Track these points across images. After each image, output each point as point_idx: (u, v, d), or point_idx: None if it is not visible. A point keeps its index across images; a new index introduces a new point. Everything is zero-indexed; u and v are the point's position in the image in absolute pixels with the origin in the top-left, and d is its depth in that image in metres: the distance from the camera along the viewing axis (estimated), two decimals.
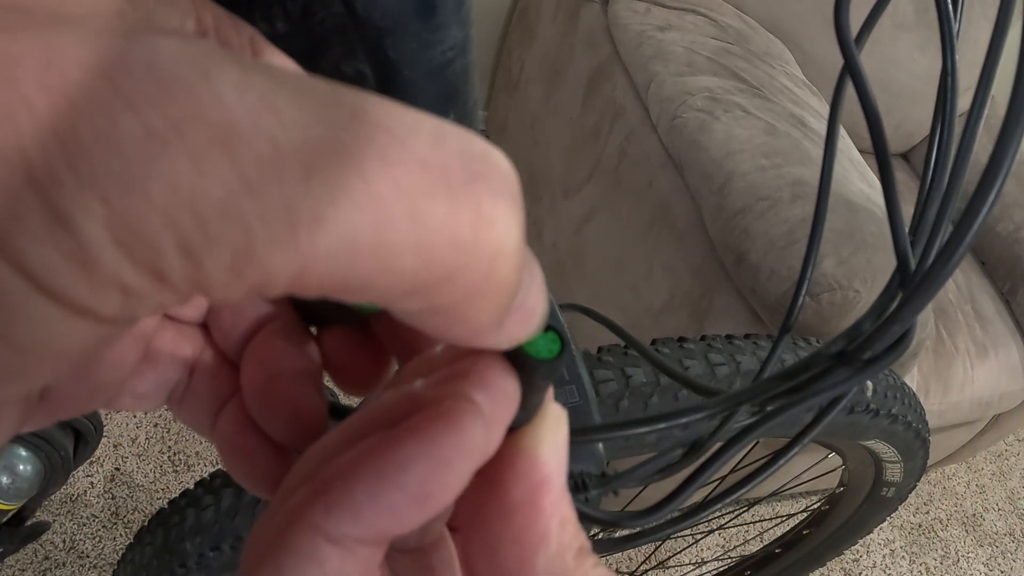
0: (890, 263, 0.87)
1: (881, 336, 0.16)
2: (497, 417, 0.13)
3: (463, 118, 0.21)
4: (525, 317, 0.12)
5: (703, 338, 0.49)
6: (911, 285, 0.16)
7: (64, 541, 1.14)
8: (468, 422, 0.12)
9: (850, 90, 0.26)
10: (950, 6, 0.21)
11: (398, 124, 0.10)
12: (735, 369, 0.47)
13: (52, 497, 1.17)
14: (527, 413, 0.14)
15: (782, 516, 1.38)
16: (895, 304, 0.16)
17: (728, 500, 0.25)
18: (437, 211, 0.10)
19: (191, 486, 0.51)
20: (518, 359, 0.13)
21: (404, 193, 0.10)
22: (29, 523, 0.54)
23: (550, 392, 0.15)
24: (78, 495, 1.18)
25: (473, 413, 0.12)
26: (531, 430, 0.14)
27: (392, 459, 0.12)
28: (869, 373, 0.17)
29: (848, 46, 0.19)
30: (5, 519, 0.51)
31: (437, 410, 0.12)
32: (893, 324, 0.16)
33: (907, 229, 0.20)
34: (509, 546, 0.14)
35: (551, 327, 0.14)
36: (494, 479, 0.14)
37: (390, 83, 0.18)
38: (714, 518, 1.05)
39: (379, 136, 0.10)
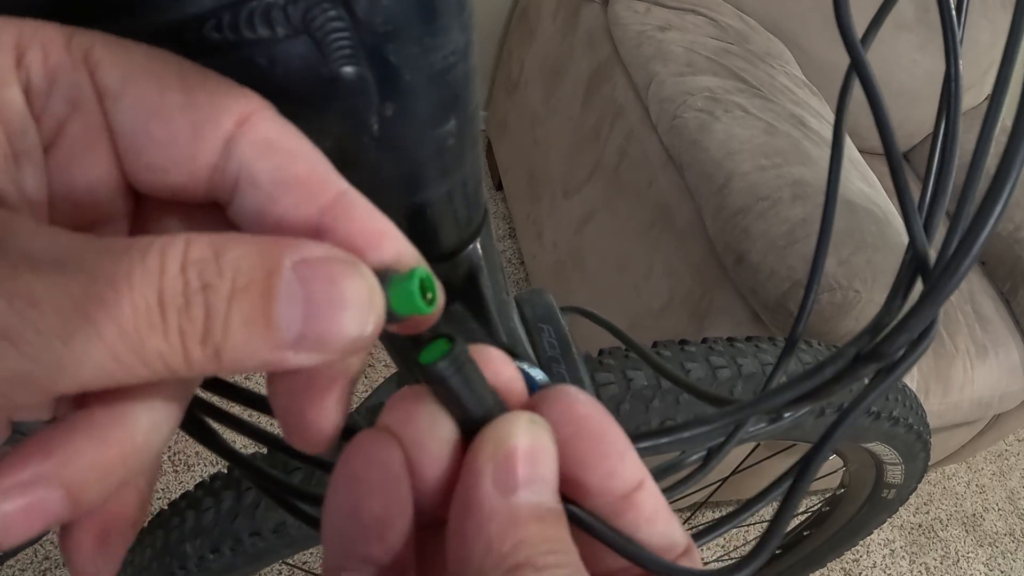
0: (890, 263, 0.87)
1: (907, 328, 0.16)
2: (406, 433, 0.16)
3: (464, 123, 0.21)
4: (320, 331, 0.14)
5: (704, 341, 0.49)
6: (935, 273, 0.16)
7: None
8: (378, 448, 0.16)
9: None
10: (952, 9, 0.21)
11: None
12: (736, 372, 0.47)
13: None
14: (474, 413, 0.16)
15: None
16: (918, 295, 0.16)
17: (764, 503, 0.25)
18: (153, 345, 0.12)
19: (191, 487, 0.51)
20: (424, 370, 0.16)
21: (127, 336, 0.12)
22: None
23: (518, 387, 0.16)
24: None
25: (383, 440, 0.16)
26: (480, 433, 0.16)
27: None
28: (903, 367, 0.17)
29: (854, 45, 0.19)
30: None
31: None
32: (919, 314, 0.16)
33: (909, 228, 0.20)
34: (452, 538, 0.15)
35: (444, 334, 0.16)
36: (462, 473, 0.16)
37: (391, 88, 0.18)
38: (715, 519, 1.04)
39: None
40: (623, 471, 0.16)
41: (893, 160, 0.19)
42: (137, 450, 0.15)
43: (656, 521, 0.17)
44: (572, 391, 0.17)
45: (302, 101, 0.18)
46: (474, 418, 0.16)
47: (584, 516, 0.16)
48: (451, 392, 0.16)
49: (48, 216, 0.15)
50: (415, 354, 0.16)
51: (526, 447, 0.15)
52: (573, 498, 0.17)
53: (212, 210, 0.16)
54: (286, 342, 0.13)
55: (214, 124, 0.14)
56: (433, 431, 0.16)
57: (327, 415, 0.16)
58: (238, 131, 0.15)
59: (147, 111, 0.14)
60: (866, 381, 0.18)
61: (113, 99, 0.14)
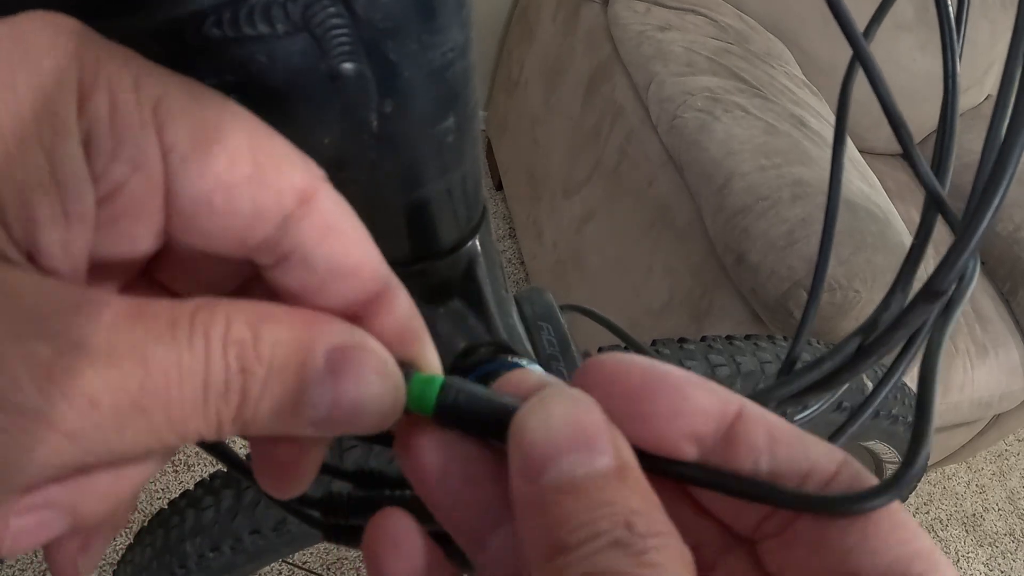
0: (890, 263, 0.87)
1: (945, 272, 0.15)
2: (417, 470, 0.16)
3: (463, 120, 0.21)
4: (343, 417, 0.14)
5: (703, 339, 0.49)
6: (966, 218, 0.15)
7: None
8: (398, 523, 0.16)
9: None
10: (951, 10, 0.21)
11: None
12: (735, 370, 0.47)
13: None
14: (496, 423, 0.16)
15: None
16: (966, 215, 0.15)
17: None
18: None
19: (191, 486, 0.51)
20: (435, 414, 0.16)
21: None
22: None
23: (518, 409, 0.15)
24: None
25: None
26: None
27: None
28: (954, 311, 0.16)
29: (855, 36, 0.19)
30: None
31: None
32: (958, 253, 0.15)
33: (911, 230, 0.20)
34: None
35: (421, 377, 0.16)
36: None
37: (390, 85, 0.18)
38: None
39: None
40: (691, 407, 0.15)
41: (894, 119, 0.19)
42: (145, 479, 0.15)
43: (776, 448, 0.15)
44: (598, 359, 0.16)
45: (302, 98, 0.18)
46: (501, 428, 0.15)
47: (669, 467, 0.15)
48: (467, 417, 0.15)
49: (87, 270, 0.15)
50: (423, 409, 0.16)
51: (533, 427, 0.14)
52: (665, 454, 0.15)
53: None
54: (310, 424, 0.14)
55: (276, 202, 0.14)
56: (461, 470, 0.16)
57: (305, 469, 0.16)
58: (300, 210, 0.14)
59: (212, 182, 0.14)
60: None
61: (179, 161, 0.13)
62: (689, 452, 0.15)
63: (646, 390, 0.15)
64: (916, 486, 0.14)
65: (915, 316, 0.16)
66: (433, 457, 0.16)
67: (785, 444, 0.15)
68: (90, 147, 0.13)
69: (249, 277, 0.17)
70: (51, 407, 0.12)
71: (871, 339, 0.17)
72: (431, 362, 0.17)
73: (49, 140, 0.12)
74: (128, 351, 0.12)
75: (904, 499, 0.14)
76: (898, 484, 0.14)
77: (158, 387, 0.12)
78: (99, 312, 0.12)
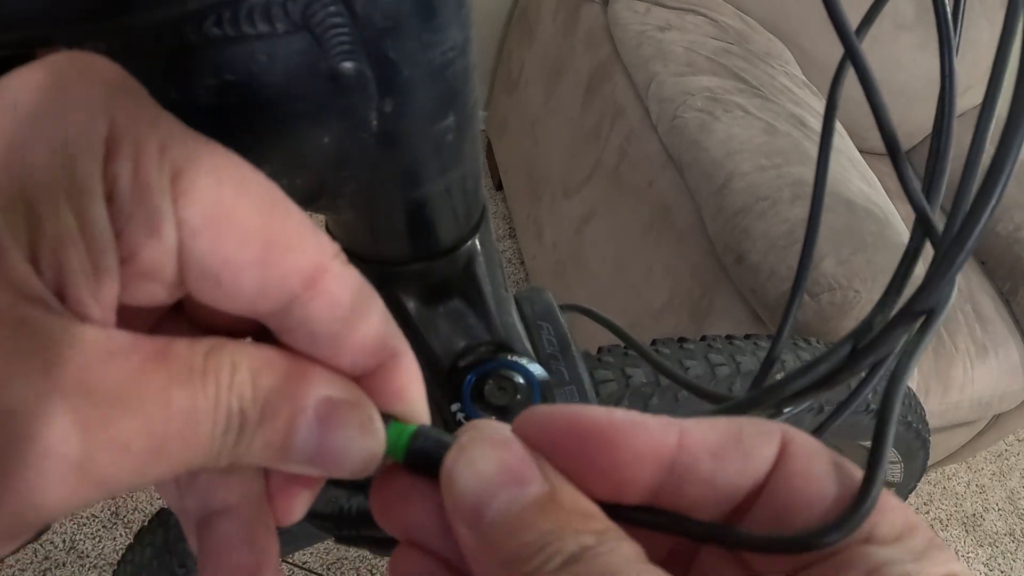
0: (890, 263, 0.87)
1: (933, 283, 0.15)
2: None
3: (463, 119, 0.21)
4: (326, 461, 0.15)
5: (703, 338, 0.49)
6: (949, 232, 0.15)
7: (64, 541, 1.14)
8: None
9: (848, 90, 0.26)
10: (948, 9, 0.21)
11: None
12: (735, 370, 0.47)
13: None
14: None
15: None
16: (942, 247, 0.16)
17: None
18: None
19: None
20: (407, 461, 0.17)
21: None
22: None
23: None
24: None
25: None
26: None
27: None
28: (930, 328, 0.16)
29: (847, 34, 0.19)
30: None
31: None
32: (939, 274, 0.15)
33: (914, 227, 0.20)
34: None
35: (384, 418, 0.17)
36: None
37: (390, 84, 0.18)
38: None
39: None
40: (623, 456, 0.15)
41: (886, 130, 0.19)
42: None
43: (717, 466, 0.15)
44: (528, 413, 0.16)
45: (302, 97, 0.18)
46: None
47: (617, 512, 0.15)
48: (433, 464, 0.16)
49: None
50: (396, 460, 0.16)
51: (460, 474, 0.15)
52: (616, 499, 0.16)
53: None
54: (295, 463, 0.15)
55: (282, 284, 0.15)
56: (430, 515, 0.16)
57: (297, 504, 0.18)
58: (306, 292, 0.15)
59: (221, 260, 0.14)
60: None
61: (191, 234, 0.14)
62: (634, 496, 0.16)
63: (576, 445, 0.16)
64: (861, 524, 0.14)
65: (896, 335, 0.17)
66: (400, 502, 0.17)
67: (725, 458, 0.15)
68: (112, 205, 0.13)
69: (258, 331, 0.18)
70: (90, 458, 0.12)
71: (864, 343, 0.17)
72: (419, 419, 0.17)
73: (76, 195, 0.13)
74: (154, 396, 0.13)
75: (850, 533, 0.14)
76: (845, 525, 0.14)
77: (180, 429, 0.13)
78: (129, 359, 0.13)
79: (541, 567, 0.14)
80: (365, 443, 0.16)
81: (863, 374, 0.20)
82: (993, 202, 0.14)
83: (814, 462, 0.15)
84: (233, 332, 0.17)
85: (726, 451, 0.15)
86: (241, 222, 0.14)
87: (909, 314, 0.16)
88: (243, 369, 0.14)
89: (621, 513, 0.15)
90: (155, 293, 0.15)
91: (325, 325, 0.15)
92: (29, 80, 0.13)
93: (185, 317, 0.17)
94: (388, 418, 0.17)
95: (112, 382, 0.13)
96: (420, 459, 0.16)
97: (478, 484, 0.15)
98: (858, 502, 0.14)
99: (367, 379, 0.16)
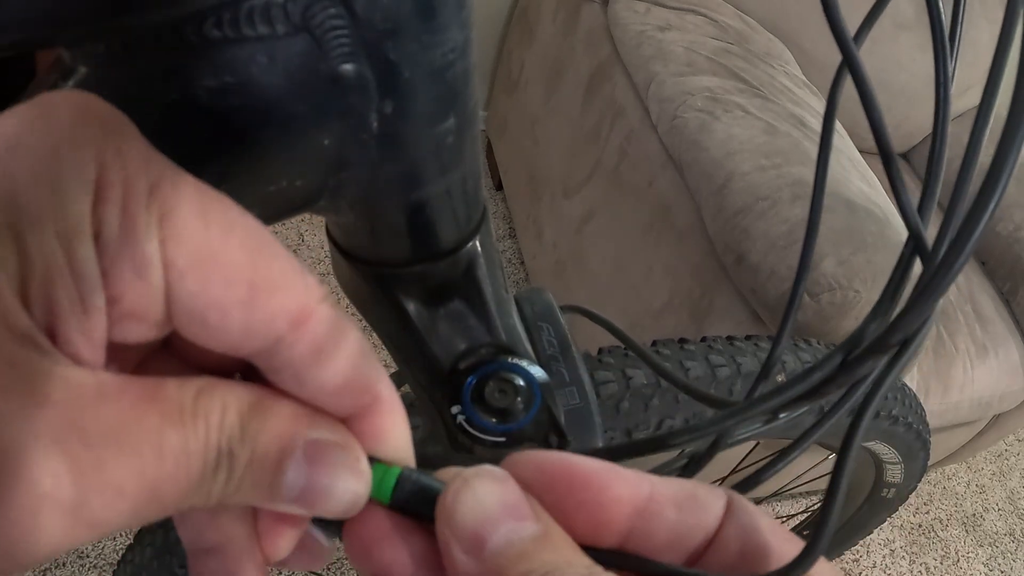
0: (890, 263, 0.87)
1: (909, 318, 0.16)
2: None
3: (463, 121, 0.21)
4: (313, 501, 0.16)
5: (704, 339, 0.49)
6: (934, 262, 0.16)
7: None
8: None
9: (849, 90, 0.26)
10: (942, 10, 0.21)
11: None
12: (736, 371, 0.47)
13: None
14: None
15: (782, 517, 1.38)
16: (918, 285, 0.16)
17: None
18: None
19: None
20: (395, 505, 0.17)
21: None
22: None
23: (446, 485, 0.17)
24: None
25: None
26: (436, 517, 0.16)
27: None
28: (902, 360, 0.17)
29: (845, 40, 0.19)
30: None
31: None
32: (920, 304, 0.16)
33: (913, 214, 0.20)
34: None
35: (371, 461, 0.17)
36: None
37: (390, 85, 0.18)
38: None
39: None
40: (612, 496, 0.17)
41: (884, 145, 0.19)
42: None
43: (685, 518, 0.17)
44: (520, 457, 0.17)
45: (302, 99, 0.18)
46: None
47: (595, 555, 0.16)
48: (419, 506, 0.17)
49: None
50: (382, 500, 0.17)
51: (465, 505, 0.16)
52: (591, 543, 0.17)
53: None
54: (283, 501, 0.15)
55: (267, 325, 0.15)
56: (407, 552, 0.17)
57: (284, 541, 0.18)
58: (292, 334, 0.15)
59: (207, 301, 0.14)
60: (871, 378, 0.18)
61: (178, 276, 0.14)
62: (609, 539, 0.17)
63: (564, 488, 0.17)
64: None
65: (873, 363, 0.17)
66: (379, 542, 0.17)
67: (686, 509, 0.17)
68: (99, 245, 0.13)
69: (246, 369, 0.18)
70: (84, 501, 0.13)
71: (854, 355, 0.17)
72: (404, 461, 0.18)
73: (65, 233, 0.13)
74: (146, 439, 0.13)
75: None
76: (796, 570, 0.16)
77: (172, 471, 0.14)
78: (120, 400, 0.13)
79: None
80: (352, 485, 0.16)
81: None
82: (979, 228, 0.14)
83: (757, 518, 0.17)
84: (221, 368, 0.17)
85: (686, 503, 0.17)
86: (228, 264, 0.14)
87: (880, 347, 0.16)
88: (232, 410, 0.15)
89: (596, 555, 0.17)
90: (142, 332, 0.15)
91: (310, 369, 0.16)
92: (23, 117, 0.13)
93: (173, 352, 0.17)
94: (372, 460, 0.17)
95: (104, 424, 0.13)
96: (408, 500, 0.17)
97: (482, 515, 0.16)
98: (805, 550, 0.16)
99: (352, 421, 0.17)
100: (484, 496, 0.16)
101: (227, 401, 0.15)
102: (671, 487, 0.17)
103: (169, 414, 0.14)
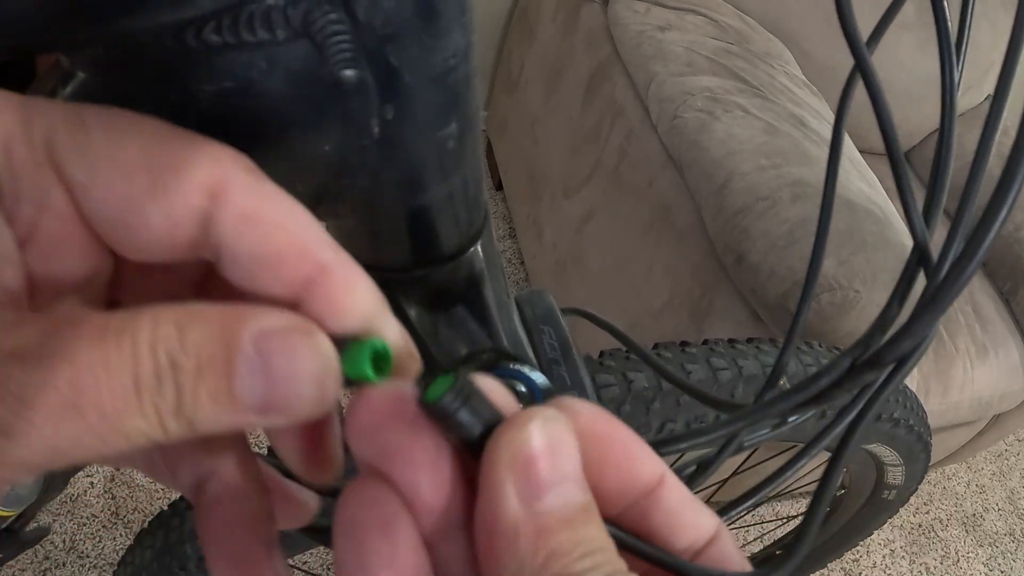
0: (890, 263, 0.87)
1: (912, 331, 0.16)
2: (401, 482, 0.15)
3: (465, 125, 0.21)
4: (280, 398, 0.14)
5: (705, 342, 0.49)
6: (937, 278, 0.16)
7: (64, 541, 1.14)
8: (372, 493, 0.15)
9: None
10: (947, 11, 0.21)
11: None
12: (737, 374, 0.47)
13: None
14: (482, 435, 0.15)
15: (783, 517, 1.38)
16: (923, 298, 0.16)
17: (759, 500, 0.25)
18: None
19: None
20: (429, 408, 0.15)
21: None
22: (29, 528, 0.54)
23: (514, 408, 0.16)
24: (78, 495, 1.18)
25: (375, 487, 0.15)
26: (494, 444, 0.15)
27: None
28: (902, 373, 0.17)
29: (858, 45, 0.19)
30: (5, 525, 0.51)
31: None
32: (924, 317, 0.15)
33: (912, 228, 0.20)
34: (482, 562, 0.15)
35: (447, 370, 0.16)
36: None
37: (392, 91, 0.18)
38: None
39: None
40: (639, 471, 0.16)
41: (894, 155, 0.19)
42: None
43: (683, 512, 0.17)
44: (570, 401, 0.16)
45: (302, 105, 0.18)
46: (482, 438, 0.15)
47: (609, 528, 0.16)
48: (458, 424, 0.15)
49: (29, 301, 0.15)
50: (420, 394, 0.15)
51: (543, 447, 0.14)
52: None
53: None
54: (251, 410, 0.14)
55: (184, 203, 0.15)
56: (435, 464, 0.15)
57: (324, 450, 0.17)
58: (213, 206, 0.15)
59: (117, 202, 0.14)
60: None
61: (82, 192, 0.14)
62: (615, 507, 0.16)
63: (609, 449, 0.16)
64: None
65: (892, 354, 0.17)
66: (390, 421, 0.15)
67: (689, 512, 0.17)
68: None
69: (205, 281, 0.18)
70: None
71: (863, 358, 0.17)
72: (387, 334, 0.17)
73: None
74: (57, 353, 0.13)
75: None
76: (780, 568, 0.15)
77: (87, 384, 0.13)
78: (34, 324, 0.13)
79: (581, 574, 0.14)
80: (310, 364, 0.15)
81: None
82: (986, 243, 0.14)
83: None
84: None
85: (689, 503, 0.17)
86: (121, 161, 0.14)
87: (903, 339, 0.16)
88: (166, 322, 0.14)
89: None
90: (80, 263, 0.15)
91: (240, 240, 0.15)
92: None
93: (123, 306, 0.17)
94: (342, 340, 0.16)
95: (11, 344, 0.13)
96: (453, 409, 0.15)
97: (555, 466, 0.14)
98: (786, 555, 0.16)
99: (306, 303, 0.16)
100: (562, 444, 0.15)
101: (159, 315, 0.14)
102: (683, 492, 0.17)
103: (85, 333, 0.13)
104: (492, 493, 0.14)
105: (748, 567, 0.17)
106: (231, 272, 0.15)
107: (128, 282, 0.17)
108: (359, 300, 0.16)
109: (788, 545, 0.19)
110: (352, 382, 0.16)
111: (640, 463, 0.16)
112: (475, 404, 0.15)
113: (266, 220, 0.15)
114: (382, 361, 0.16)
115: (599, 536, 0.15)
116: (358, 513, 0.15)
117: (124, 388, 0.13)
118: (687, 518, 0.16)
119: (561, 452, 0.15)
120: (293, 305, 0.16)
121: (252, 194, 0.15)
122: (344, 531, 0.15)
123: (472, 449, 0.15)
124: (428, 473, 0.15)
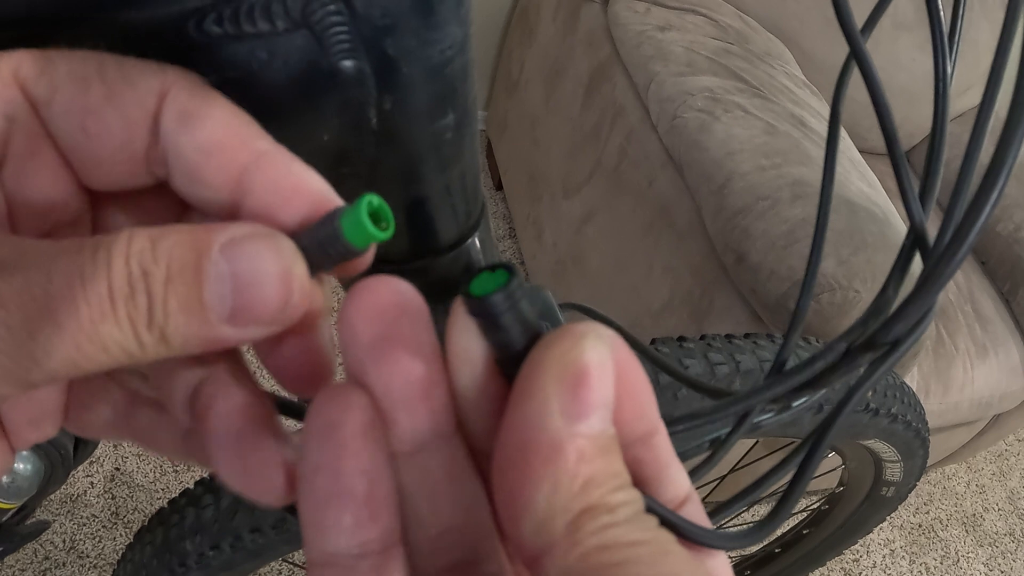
0: (890, 263, 0.87)
1: (908, 311, 0.16)
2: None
3: (462, 117, 0.21)
4: (249, 303, 0.14)
5: (703, 337, 0.49)
6: (934, 256, 0.16)
7: (64, 541, 1.14)
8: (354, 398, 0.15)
9: (849, 90, 0.26)
10: (941, 8, 0.21)
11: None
12: (735, 368, 0.47)
13: (52, 497, 1.17)
14: (515, 347, 0.14)
15: None
16: (920, 278, 0.16)
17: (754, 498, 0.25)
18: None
19: (191, 485, 0.51)
20: (473, 303, 0.14)
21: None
22: (29, 522, 0.54)
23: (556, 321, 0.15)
24: (78, 495, 1.18)
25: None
26: (540, 352, 0.14)
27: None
28: (896, 355, 0.17)
29: (853, 35, 0.19)
30: (5, 518, 0.51)
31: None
32: (920, 297, 0.15)
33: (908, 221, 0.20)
34: (504, 483, 0.14)
35: (501, 265, 0.15)
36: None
37: (389, 81, 0.18)
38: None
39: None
40: (646, 412, 0.15)
41: (887, 129, 0.19)
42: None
43: (672, 464, 0.16)
44: (597, 325, 0.15)
45: (301, 95, 0.18)
46: (524, 348, 0.14)
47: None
48: (503, 327, 0.14)
49: (9, 225, 0.16)
50: (463, 285, 0.14)
51: (597, 365, 0.13)
52: None
53: (164, 196, 0.18)
54: (221, 318, 0.14)
55: (138, 105, 0.16)
56: (431, 361, 0.15)
57: (310, 362, 0.17)
58: (161, 106, 0.16)
59: (77, 110, 0.15)
60: (862, 370, 0.18)
61: (45, 106, 0.15)
62: (624, 448, 0.15)
63: (628, 382, 0.15)
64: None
65: (888, 335, 0.17)
66: (394, 305, 0.15)
67: (675, 468, 0.16)
68: None
69: (182, 215, 0.19)
70: None
71: (859, 342, 0.17)
72: (324, 202, 0.16)
73: None
74: (33, 263, 0.13)
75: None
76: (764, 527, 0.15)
77: (62, 292, 0.13)
78: (13, 241, 0.14)
79: (620, 507, 0.13)
80: (272, 265, 0.15)
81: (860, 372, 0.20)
82: (983, 217, 0.14)
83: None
84: None
85: (674, 457, 0.16)
86: (82, 77, 0.15)
87: (871, 346, 0.16)
88: (140, 237, 0.14)
89: None
90: (55, 185, 0.16)
91: (181, 135, 0.16)
92: None
93: None
94: (328, 217, 0.15)
95: None
96: (499, 308, 0.14)
97: (603, 384, 0.14)
98: (767, 517, 0.16)
99: (255, 194, 0.16)
100: (607, 367, 0.14)
101: (135, 232, 0.14)
102: (671, 447, 0.16)
103: (62, 247, 0.14)
104: (534, 406, 0.13)
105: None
106: (179, 181, 0.16)
107: (107, 225, 0.18)
108: (303, 179, 0.16)
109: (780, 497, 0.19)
110: (356, 252, 0.16)
111: (649, 405, 0.15)
112: (523, 309, 0.14)
113: (203, 114, 0.16)
114: (382, 220, 0.16)
115: (625, 472, 0.14)
116: (335, 414, 0.15)
117: (99, 297, 0.13)
118: (673, 472, 0.16)
119: (607, 375, 0.14)
120: (239, 197, 0.16)
121: (191, 95, 0.16)
122: (317, 433, 0.15)
123: (508, 357, 0.14)
124: (422, 368, 0.15)
